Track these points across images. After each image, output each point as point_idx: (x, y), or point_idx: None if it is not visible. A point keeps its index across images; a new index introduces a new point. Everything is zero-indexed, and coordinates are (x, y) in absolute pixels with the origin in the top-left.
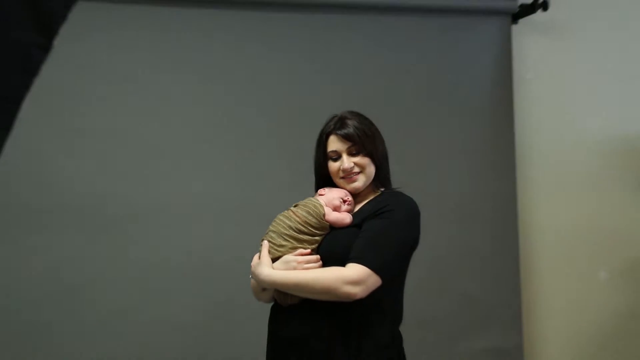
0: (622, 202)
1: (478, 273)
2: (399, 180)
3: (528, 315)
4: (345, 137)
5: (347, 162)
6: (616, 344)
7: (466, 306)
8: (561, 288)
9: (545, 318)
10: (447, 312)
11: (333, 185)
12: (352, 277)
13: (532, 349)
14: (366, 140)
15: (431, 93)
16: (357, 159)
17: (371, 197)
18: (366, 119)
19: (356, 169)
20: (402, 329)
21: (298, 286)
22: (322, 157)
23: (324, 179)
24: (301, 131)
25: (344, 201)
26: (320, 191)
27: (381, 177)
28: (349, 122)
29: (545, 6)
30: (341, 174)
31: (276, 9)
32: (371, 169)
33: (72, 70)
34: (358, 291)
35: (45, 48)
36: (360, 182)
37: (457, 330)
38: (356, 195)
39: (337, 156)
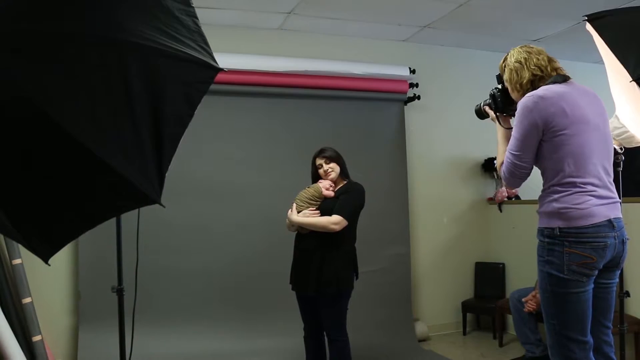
0: (452, 186)
1: (390, 219)
2: (356, 175)
3: (412, 237)
4: (323, 156)
5: (325, 167)
6: (448, 249)
7: (385, 234)
8: (427, 226)
9: (419, 239)
10: (377, 235)
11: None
12: (335, 221)
13: (414, 254)
14: (332, 155)
15: (369, 138)
16: (329, 165)
17: (341, 184)
18: (331, 148)
19: (330, 170)
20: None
21: (309, 225)
22: (314, 168)
23: (316, 179)
24: (306, 157)
25: (330, 186)
26: (320, 181)
27: (345, 173)
28: (324, 149)
29: (419, 98)
30: (324, 174)
31: (281, 97)
32: (337, 169)
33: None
34: (337, 228)
35: (190, 115)
36: (332, 175)
37: (379, 244)
38: (335, 183)
39: (321, 166)
